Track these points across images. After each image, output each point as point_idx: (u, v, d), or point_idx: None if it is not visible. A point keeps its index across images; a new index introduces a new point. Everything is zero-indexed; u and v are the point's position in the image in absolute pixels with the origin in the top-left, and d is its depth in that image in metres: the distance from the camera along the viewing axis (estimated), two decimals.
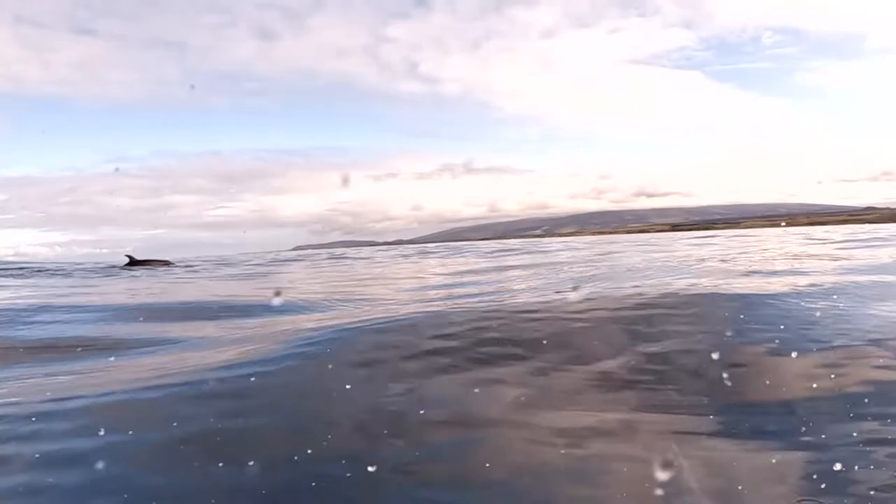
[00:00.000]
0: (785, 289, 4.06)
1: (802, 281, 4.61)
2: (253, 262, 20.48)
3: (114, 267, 19.72)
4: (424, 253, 22.37)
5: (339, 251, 42.61)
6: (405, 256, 19.71)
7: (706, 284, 4.49)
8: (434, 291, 6.14)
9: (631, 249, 14.96)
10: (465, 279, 7.63)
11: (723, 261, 6.91)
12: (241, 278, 11.10)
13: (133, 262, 20.72)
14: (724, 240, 19.07)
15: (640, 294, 3.91)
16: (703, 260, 7.48)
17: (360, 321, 3.40)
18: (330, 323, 3.55)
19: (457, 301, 4.49)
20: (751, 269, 6.08)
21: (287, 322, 4.17)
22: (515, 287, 5.63)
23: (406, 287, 7.05)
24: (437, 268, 11.51)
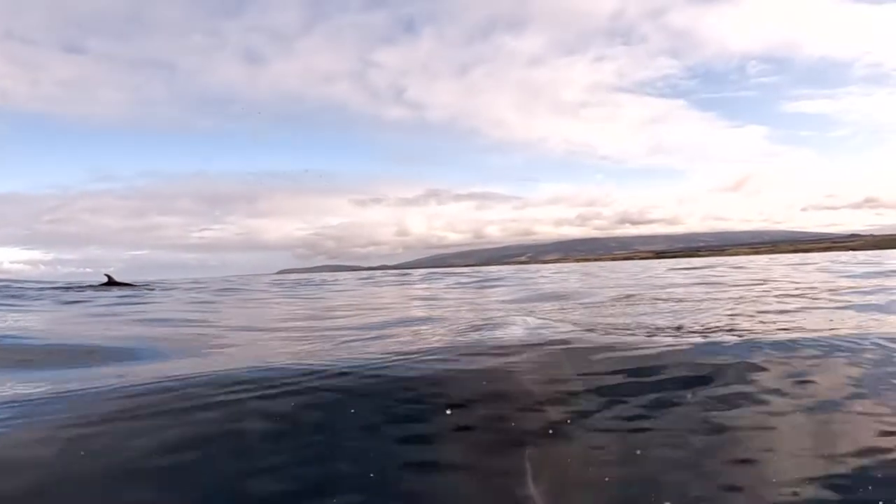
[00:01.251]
0: None
1: None
2: (216, 289, 18.97)
3: (84, 288, 19.32)
4: (400, 282, 20.66)
5: (319, 276, 40.89)
6: (377, 284, 17.98)
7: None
8: (328, 335, 4.56)
9: (621, 281, 13.41)
10: (396, 317, 5.98)
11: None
12: (179, 308, 9.65)
13: (111, 283, 20.80)
14: (726, 270, 17.56)
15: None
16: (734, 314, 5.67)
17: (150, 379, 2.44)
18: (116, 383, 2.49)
19: (335, 351, 3.25)
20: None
21: (87, 378, 2.81)
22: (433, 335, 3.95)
23: (308, 329, 5.36)
24: (388, 300, 9.72)
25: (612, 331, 3.54)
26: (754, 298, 5.96)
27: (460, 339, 3.32)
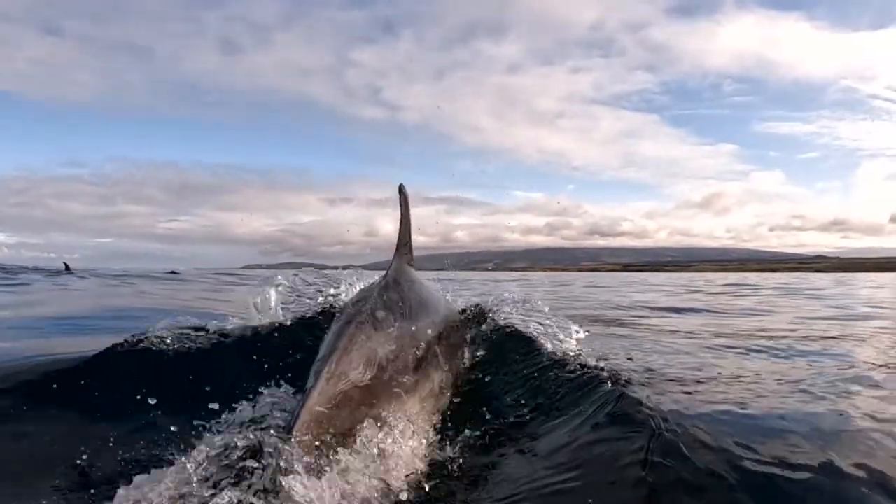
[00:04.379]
0: None
1: None
2: (152, 280, 17.35)
3: (39, 269, 21.09)
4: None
5: (285, 271, 37.31)
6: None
7: None
8: None
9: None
10: None
11: None
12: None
13: (67, 270, 22.79)
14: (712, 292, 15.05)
15: None
16: None
17: None
18: None
19: None
20: None
21: None
22: None
23: None
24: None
25: None
26: None
27: None
